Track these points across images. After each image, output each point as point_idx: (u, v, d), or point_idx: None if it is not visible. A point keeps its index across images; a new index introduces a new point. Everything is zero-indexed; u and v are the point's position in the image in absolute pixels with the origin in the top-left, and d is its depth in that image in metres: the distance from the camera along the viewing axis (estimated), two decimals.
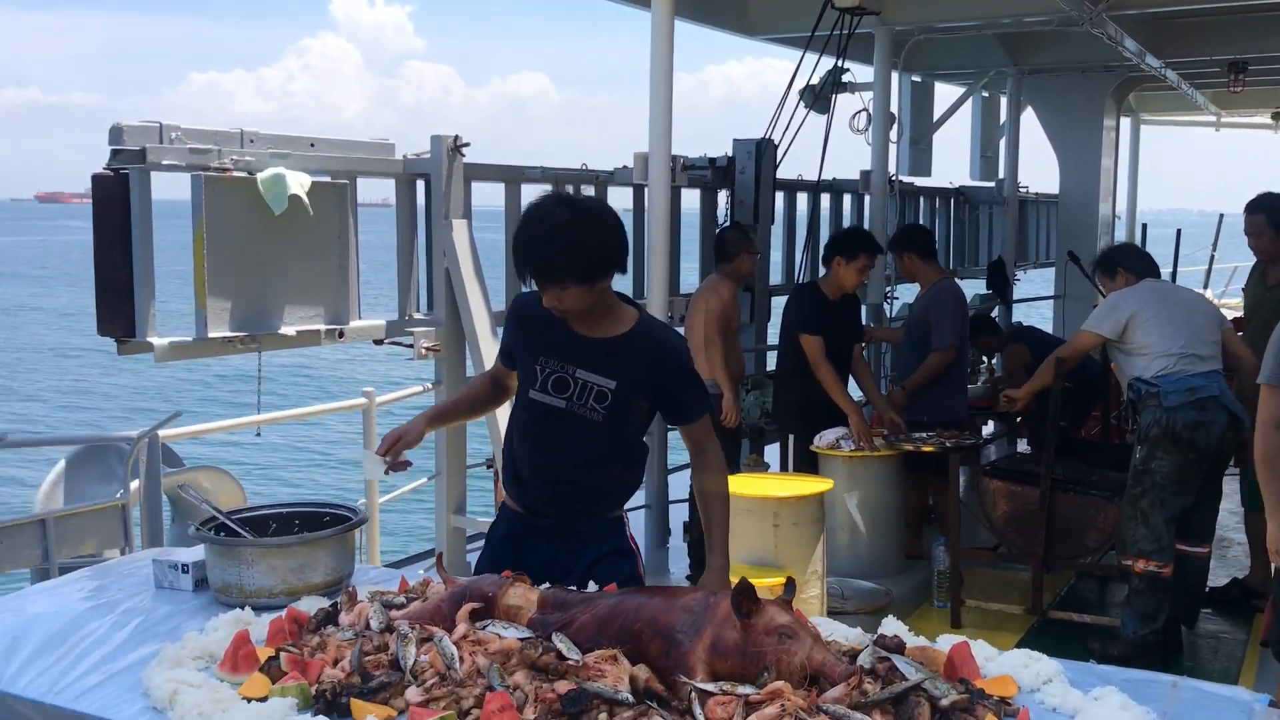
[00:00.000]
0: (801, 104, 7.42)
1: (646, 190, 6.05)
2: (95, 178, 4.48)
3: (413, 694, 2.11)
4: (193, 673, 2.25)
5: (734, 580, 2.15)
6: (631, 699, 1.95)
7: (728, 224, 6.78)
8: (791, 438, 6.02)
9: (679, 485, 6.25)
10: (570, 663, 2.08)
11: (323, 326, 4.94)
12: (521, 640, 2.19)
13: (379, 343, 5.37)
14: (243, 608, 2.61)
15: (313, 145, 4.96)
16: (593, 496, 2.96)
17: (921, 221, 9.73)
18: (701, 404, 2.98)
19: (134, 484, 4.29)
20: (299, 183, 4.61)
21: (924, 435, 5.75)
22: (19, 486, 9.25)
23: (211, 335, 4.43)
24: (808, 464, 5.88)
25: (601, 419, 2.87)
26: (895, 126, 8.55)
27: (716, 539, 2.95)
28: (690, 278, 6.91)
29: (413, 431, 3.01)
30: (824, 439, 5.72)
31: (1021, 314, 10.80)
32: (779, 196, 7.54)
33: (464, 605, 2.34)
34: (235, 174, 4.49)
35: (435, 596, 2.47)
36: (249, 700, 2.13)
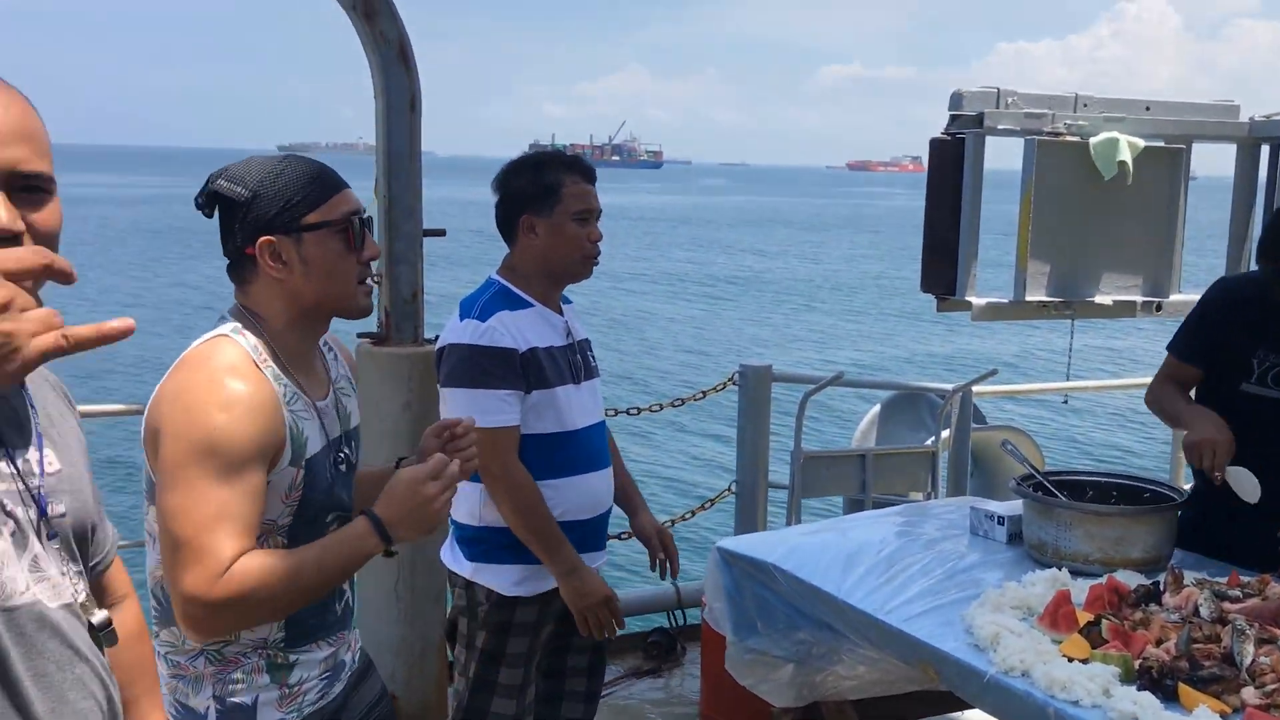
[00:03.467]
0: None
1: None
2: (933, 142, 4.72)
3: (1249, 694, 1.96)
4: (1013, 620, 2.32)
5: None
6: None
7: None
8: None
9: None
10: None
11: (1140, 298, 4.75)
12: None
13: None
14: (1058, 568, 2.62)
15: (1148, 109, 4.75)
16: None
17: None
18: None
19: (944, 433, 4.51)
20: (1130, 147, 4.47)
21: None
22: (839, 423, 10.44)
23: (1028, 298, 4.48)
24: None
25: None
26: None
27: None
28: None
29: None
30: None
31: None
32: None
33: None
34: (1068, 138, 4.47)
35: (1276, 596, 2.26)
36: (1069, 659, 2.13)
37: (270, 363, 1.92)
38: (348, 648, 2.13)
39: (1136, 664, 2.09)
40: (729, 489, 4.64)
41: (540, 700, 2.94)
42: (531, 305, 2.75)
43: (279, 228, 1.91)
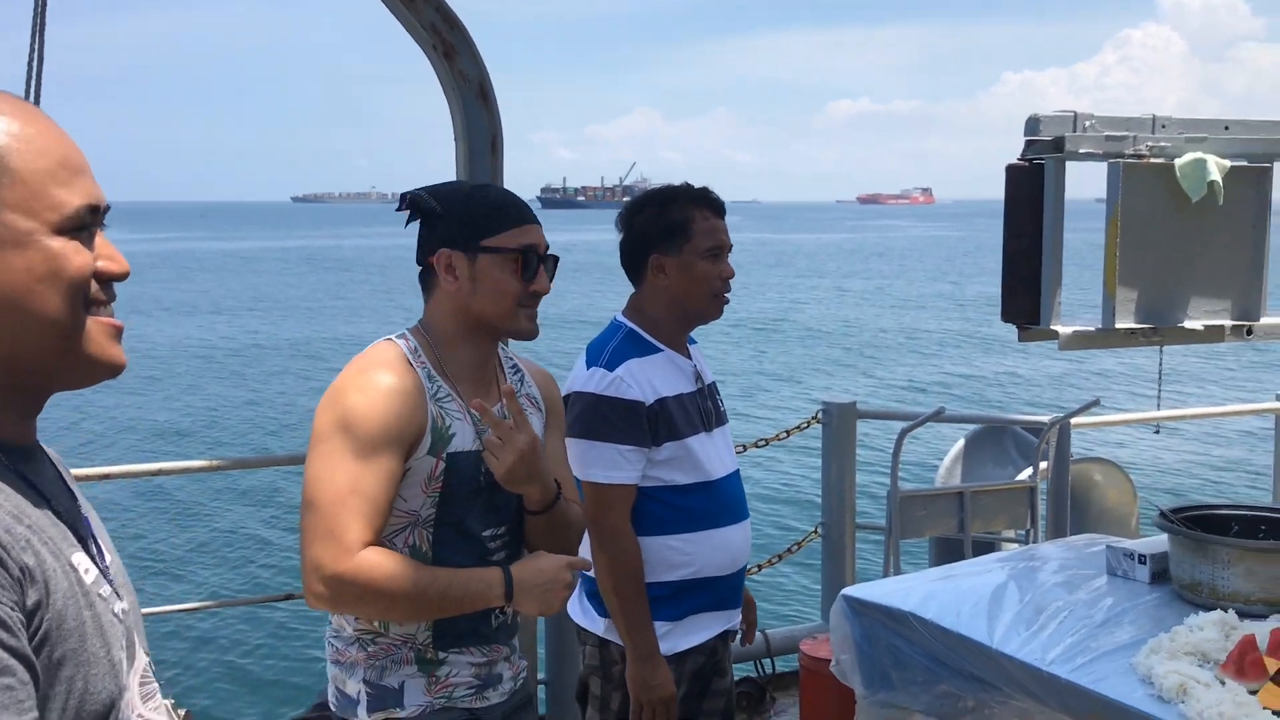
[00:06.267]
0: None
1: None
2: (1009, 168, 4.59)
3: None
4: (1197, 669, 2.16)
5: None
6: None
7: None
8: None
9: None
10: None
11: (1229, 322, 4.61)
12: None
13: None
14: (1223, 610, 2.46)
15: (1227, 128, 4.64)
16: None
17: None
18: None
19: (1042, 465, 4.36)
20: (1218, 168, 4.35)
21: None
22: (916, 459, 10.34)
23: (1117, 326, 4.34)
24: None
25: None
26: None
27: None
28: None
29: None
30: None
31: None
32: None
33: None
34: (1152, 160, 4.36)
35: None
36: (1274, 712, 1.98)
37: (426, 363, 2.06)
38: (508, 665, 2.16)
39: None
40: (815, 531, 4.49)
41: None
42: (660, 350, 2.62)
43: (458, 244, 2.06)
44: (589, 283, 44.25)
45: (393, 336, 2.11)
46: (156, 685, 1.29)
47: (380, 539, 1.95)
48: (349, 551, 1.88)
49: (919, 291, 42.51)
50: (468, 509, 2.03)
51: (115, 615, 1.19)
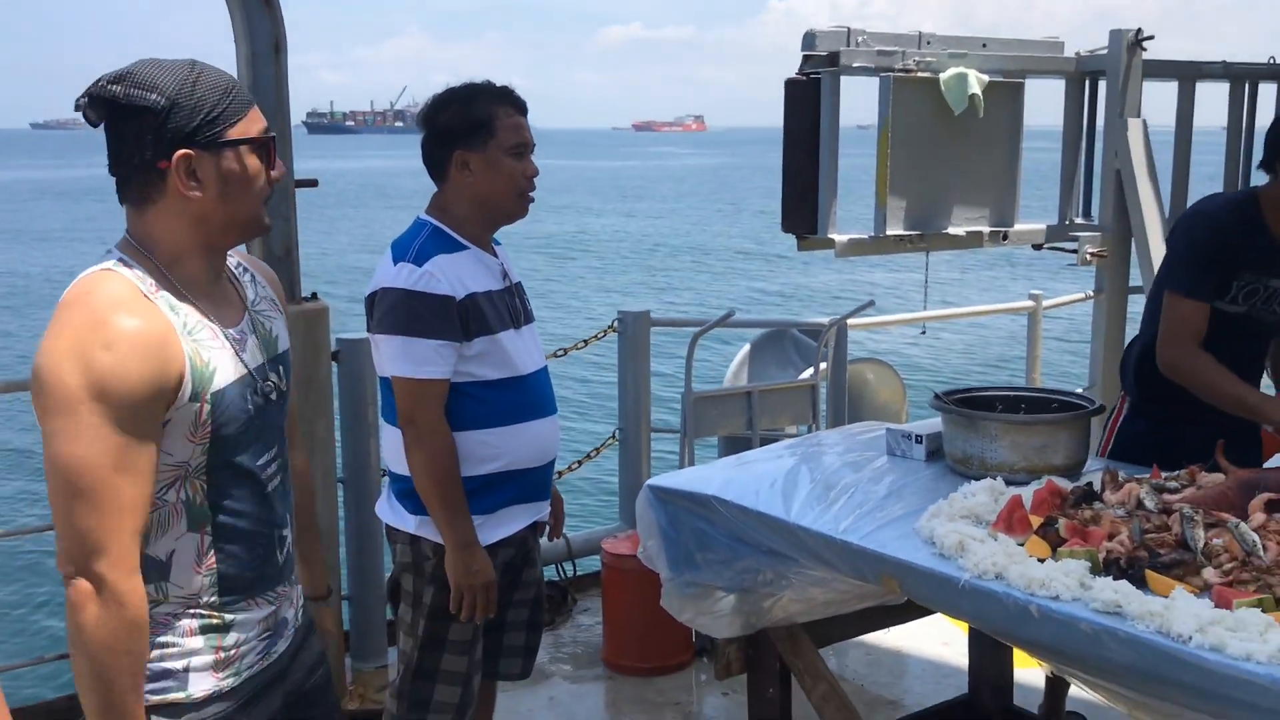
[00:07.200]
0: None
1: None
2: (788, 83, 4.77)
3: (1210, 575, 2.06)
4: (973, 528, 2.38)
5: None
6: None
7: None
8: None
9: None
10: None
11: (987, 228, 4.96)
12: None
13: (1038, 247, 5.30)
14: (993, 478, 2.69)
15: (985, 45, 4.95)
16: None
17: None
18: None
19: (822, 366, 4.60)
20: (978, 82, 4.64)
21: None
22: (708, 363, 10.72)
23: (888, 233, 4.61)
24: None
25: None
26: None
27: None
28: None
29: None
30: None
31: None
32: None
33: (1259, 495, 2.24)
34: (920, 74, 4.61)
35: (1211, 484, 2.40)
36: (1039, 559, 2.20)
37: (163, 292, 1.73)
38: (290, 603, 1.98)
39: (1101, 556, 2.17)
40: (613, 436, 4.61)
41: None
42: (466, 248, 2.63)
43: (199, 142, 1.72)
44: (369, 212, 43.06)
45: (109, 264, 1.74)
46: None
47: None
48: (130, 571, 1.65)
49: (701, 213, 43.59)
50: (240, 446, 1.80)
51: None
